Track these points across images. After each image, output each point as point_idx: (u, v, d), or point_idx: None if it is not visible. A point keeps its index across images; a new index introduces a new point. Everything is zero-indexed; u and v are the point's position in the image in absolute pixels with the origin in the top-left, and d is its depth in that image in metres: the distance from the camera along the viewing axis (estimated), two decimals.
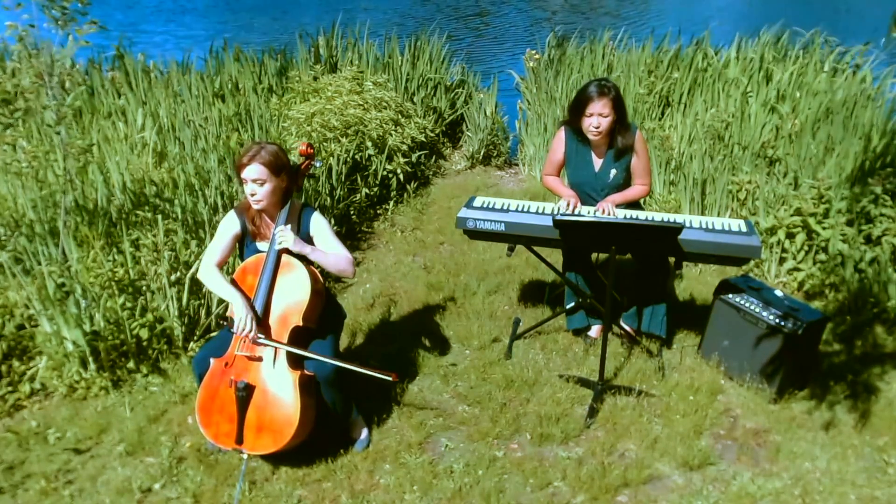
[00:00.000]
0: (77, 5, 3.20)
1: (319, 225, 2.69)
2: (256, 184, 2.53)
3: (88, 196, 3.91)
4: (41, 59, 3.23)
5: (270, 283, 2.57)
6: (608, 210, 3.05)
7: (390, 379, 2.53)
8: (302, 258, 2.62)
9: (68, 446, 2.81)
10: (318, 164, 2.84)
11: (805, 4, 13.61)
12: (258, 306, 2.55)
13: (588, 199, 3.27)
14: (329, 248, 2.66)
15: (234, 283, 2.63)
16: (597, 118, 3.08)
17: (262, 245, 2.69)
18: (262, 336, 2.53)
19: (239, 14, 14.01)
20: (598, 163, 3.24)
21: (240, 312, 2.49)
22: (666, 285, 3.40)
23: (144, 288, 3.35)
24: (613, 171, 3.22)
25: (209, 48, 6.73)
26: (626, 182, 3.28)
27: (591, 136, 3.15)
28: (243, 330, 2.48)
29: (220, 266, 2.66)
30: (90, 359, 3.12)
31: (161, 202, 3.87)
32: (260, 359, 2.54)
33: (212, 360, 2.56)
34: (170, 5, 14.71)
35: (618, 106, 3.09)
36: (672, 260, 3.16)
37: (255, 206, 2.59)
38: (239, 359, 2.55)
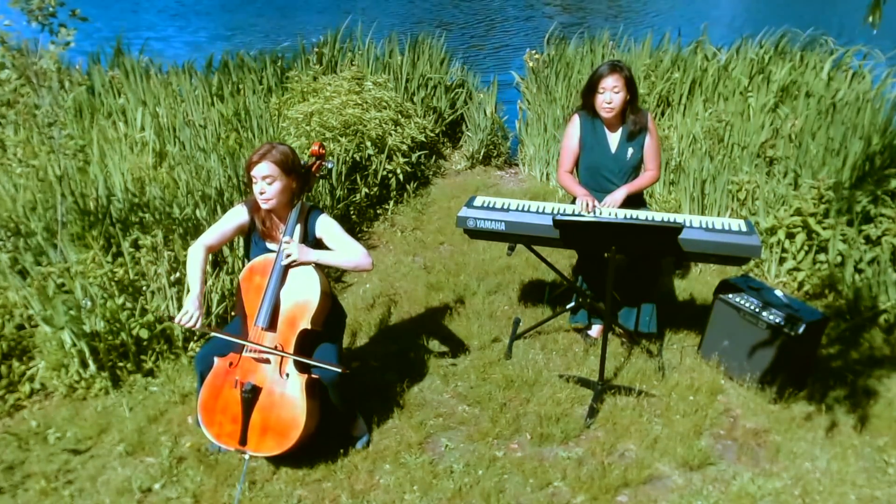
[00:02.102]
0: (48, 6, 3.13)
1: (327, 226, 2.67)
2: (266, 181, 2.53)
3: (88, 196, 3.91)
4: (28, 61, 3.18)
5: (279, 284, 2.56)
6: (614, 202, 3.07)
7: (339, 370, 2.51)
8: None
9: (68, 446, 2.81)
10: (329, 166, 2.82)
11: (805, 4, 13.61)
12: (266, 308, 2.53)
13: (605, 182, 3.27)
14: (341, 247, 2.64)
15: (240, 284, 2.63)
16: (609, 94, 3.11)
17: (271, 245, 2.68)
18: (250, 340, 2.53)
19: (243, 16, 14.01)
20: (614, 143, 3.25)
21: (187, 304, 2.45)
22: (656, 284, 3.41)
23: (144, 288, 3.35)
24: (630, 151, 3.23)
25: (210, 57, 6.72)
26: (642, 162, 3.29)
27: (604, 114, 3.17)
28: (182, 320, 2.42)
29: (213, 249, 2.65)
30: (90, 359, 3.12)
31: (161, 204, 3.87)
32: (267, 360, 2.54)
33: (215, 359, 2.55)
34: (172, 8, 14.71)
35: (630, 84, 3.13)
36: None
37: (263, 206, 2.58)
38: (245, 359, 2.54)
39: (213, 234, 2.64)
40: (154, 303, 3.30)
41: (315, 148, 2.75)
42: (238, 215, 2.67)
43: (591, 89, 3.18)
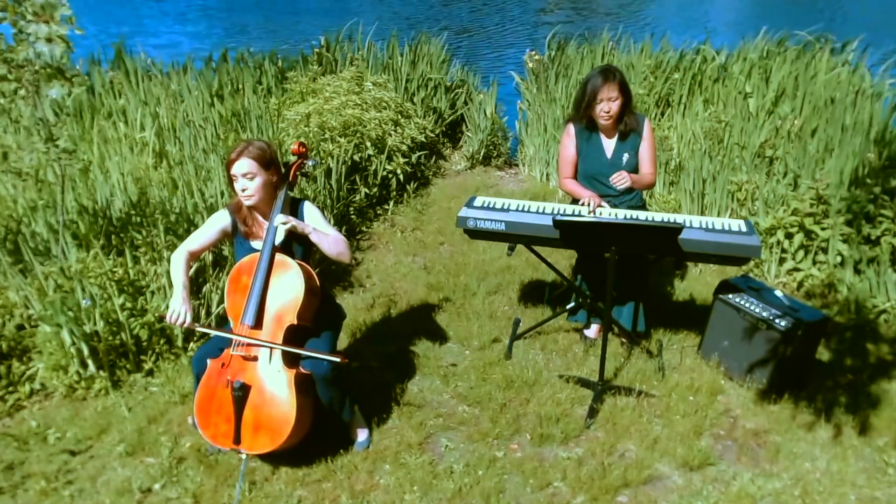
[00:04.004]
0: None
1: (313, 214, 2.72)
2: (246, 178, 2.56)
3: (89, 196, 3.91)
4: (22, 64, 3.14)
5: (265, 281, 2.57)
6: (623, 179, 3.05)
7: (338, 360, 2.53)
8: (295, 253, 2.64)
9: (68, 446, 2.81)
10: (311, 164, 2.84)
11: (803, 4, 13.62)
12: (253, 305, 2.55)
13: (603, 188, 3.28)
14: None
15: (228, 285, 2.63)
16: (607, 103, 3.13)
17: (256, 244, 2.69)
18: (242, 335, 2.54)
19: (245, 18, 13.99)
20: (609, 149, 3.26)
21: (173, 304, 2.52)
22: (645, 283, 3.43)
23: (144, 288, 3.35)
24: (626, 156, 3.24)
25: (209, 55, 6.71)
26: (638, 166, 3.29)
27: (602, 122, 3.19)
28: (171, 318, 2.50)
29: (195, 255, 2.72)
30: (90, 359, 3.12)
31: (162, 204, 3.87)
32: (255, 358, 2.54)
33: (209, 361, 2.57)
34: (174, 15, 14.68)
35: (624, 88, 3.14)
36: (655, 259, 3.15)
37: (246, 203, 2.61)
38: (235, 359, 2.55)
39: (196, 240, 2.70)
40: (154, 303, 3.30)
41: (295, 147, 2.78)
42: (220, 220, 2.71)
43: (586, 99, 3.16)
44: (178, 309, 2.52)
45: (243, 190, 2.57)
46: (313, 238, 2.61)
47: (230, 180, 2.61)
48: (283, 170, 2.70)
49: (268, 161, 2.59)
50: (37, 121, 3.25)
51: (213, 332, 2.69)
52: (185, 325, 2.53)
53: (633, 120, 3.22)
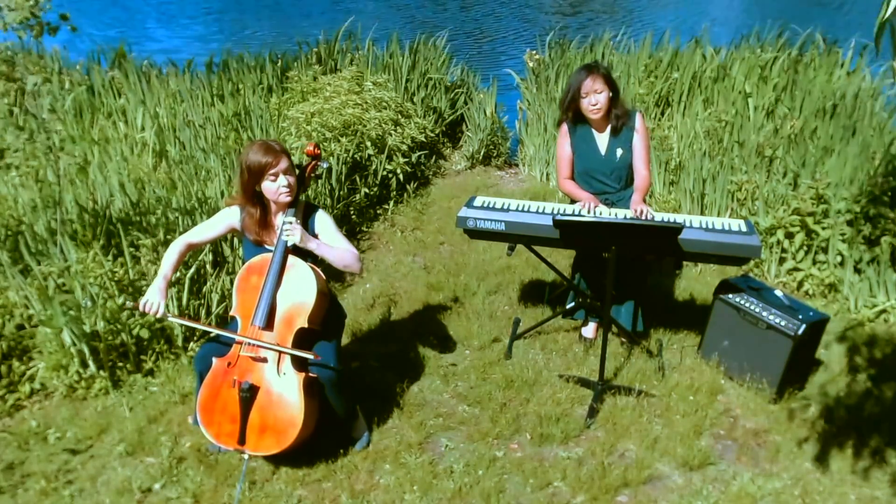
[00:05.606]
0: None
1: (325, 223, 2.70)
2: (288, 175, 2.55)
3: (88, 196, 3.91)
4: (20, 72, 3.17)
5: (276, 283, 2.56)
6: (645, 213, 3.05)
7: (311, 357, 2.52)
8: (307, 255, 2.63)
9: (68, 446, 2.81)
10: (325, 165, 2.83)
11: (801, 4, 13.60)
12: (263, 307, 2.54)
13: (599, 185, 3.28)
14: (335, 245, 2.66)
15: (237, 284, 2.63)
16: (594, 96, 3.12)
17: (267, 245, 2.68)
18: (247, 337, 2.54)
19: (246, 14, 13.97)
20: (603, 146, 3.26)
21: (149, 292, 2.52)
22: (644, 283, 3.43)
23: (145, 288, 3.34)
24: (619, 151, 3.23)
25: (210, 56, 6.71)
26: (631, 161, 3.27)
27: (592, 116, 3.18)
28: (144, 307, 2.50)
29: (194, 247, 2.73)
30: (90, 359, 3.12)
31: (161, 204, 3.87)
32: (264, 360, 2.54)
33: (214, 360, 2.56)
34: (179, 12, 14.66)
35: (609, 81, 3.14)
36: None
37: (286, 199, 2.58)
38: (242, 359, 2.54)
39: (199, 233, 2.71)
40: None
41: (310, 148, 2.76)
42: (230, 215, 2.69)
43: (573, 96, 3.16)
44: (152, 298, 2.51)
45: (288, 187, 2.55)
46: (317, 252, 2.59)
47: (254, 183, 2.55)
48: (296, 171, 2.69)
49: (290, 155, 2.60)
50: (27, 115, 3.26)
51: (216, 332, 2.68)
52: (158, 315, 2.53)
53: (623, 114, 3.21)
